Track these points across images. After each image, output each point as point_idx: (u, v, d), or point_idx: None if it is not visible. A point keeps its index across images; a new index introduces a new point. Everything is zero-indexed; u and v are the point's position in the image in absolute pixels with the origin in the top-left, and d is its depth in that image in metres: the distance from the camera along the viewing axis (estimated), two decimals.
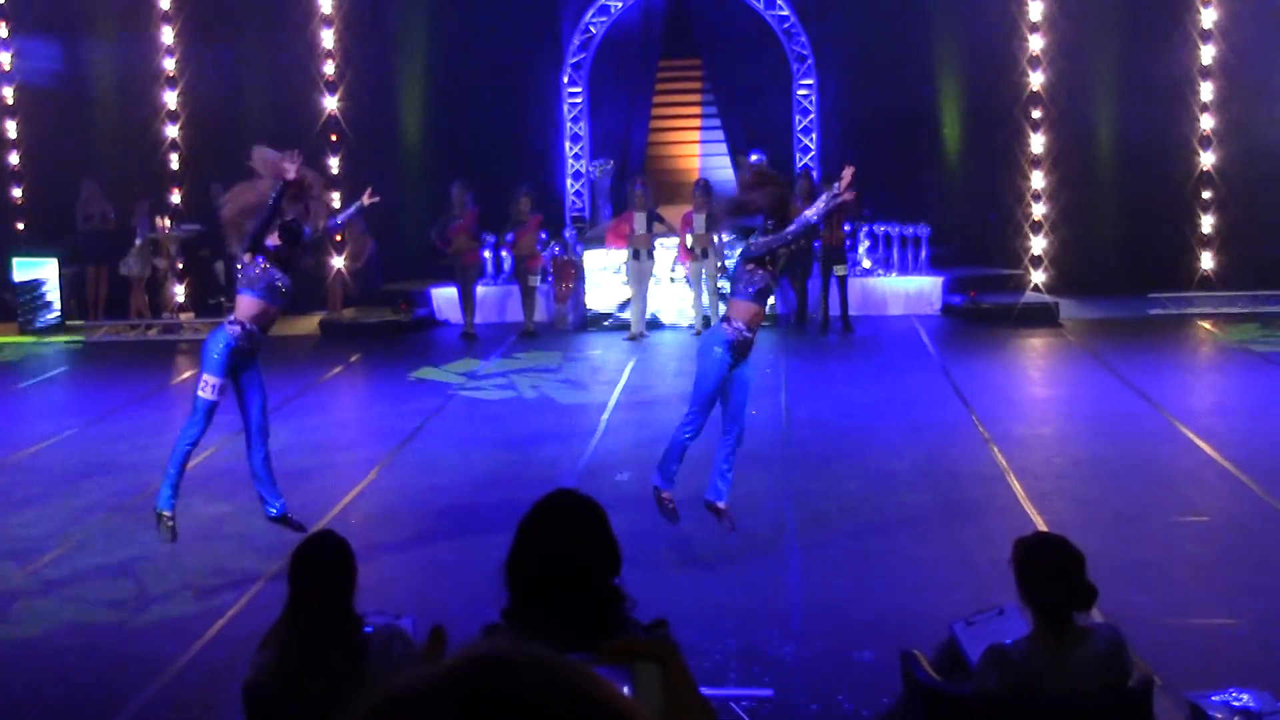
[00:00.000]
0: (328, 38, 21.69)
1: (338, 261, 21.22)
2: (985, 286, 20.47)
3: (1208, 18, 20.82)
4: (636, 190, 19.26)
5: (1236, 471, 11.57)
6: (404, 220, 21.33)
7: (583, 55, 21.89)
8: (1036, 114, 21.09)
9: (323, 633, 4.95)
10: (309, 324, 20.37)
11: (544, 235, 19.89)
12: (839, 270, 19.18)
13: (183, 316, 21.09)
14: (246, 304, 9.79)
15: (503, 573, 3.52)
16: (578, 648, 3.27)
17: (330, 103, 21.59)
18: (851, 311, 19.18)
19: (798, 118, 21.80)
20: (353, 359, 18.23)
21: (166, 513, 9.85)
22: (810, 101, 21.73)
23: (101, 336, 20.31)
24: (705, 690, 7.38)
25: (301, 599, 5.03)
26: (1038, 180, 21.12)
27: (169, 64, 21.92)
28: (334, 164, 21.66)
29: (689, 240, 19.00)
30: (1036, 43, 21.02)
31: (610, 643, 3.17)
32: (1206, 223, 21.01)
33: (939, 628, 6.62)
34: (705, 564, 9.93)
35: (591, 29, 21.80)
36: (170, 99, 21.89)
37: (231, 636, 8.57)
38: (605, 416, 14.56)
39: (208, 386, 9.74)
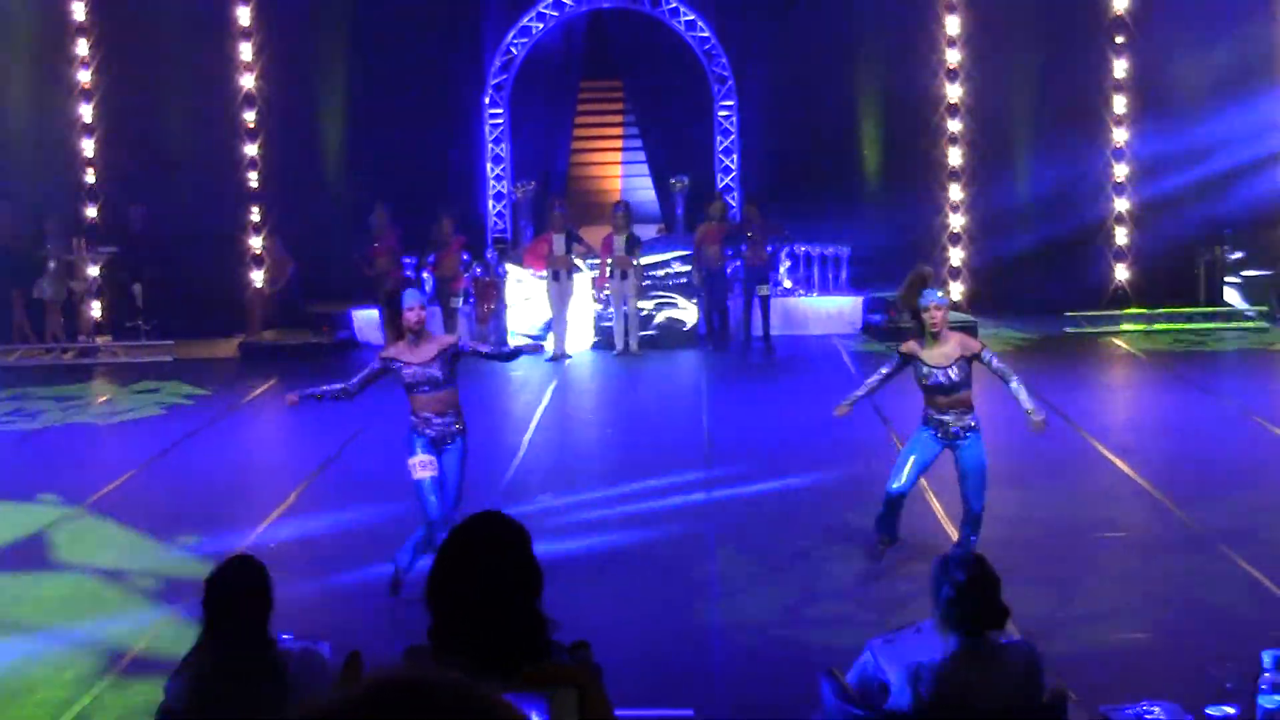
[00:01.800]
0: (246, 50, 21.58)
1: (257, 277, 21.14)
2: None
3: (1120, 65, 21.15)
4: (555, 212, 19.31)
5: (1151, 488, 11.73)
6: (325, 241, 21.23)
7: (504, 77, 21.89)
8: (955, 134, 21.32)
9: (238, 658, 4.92)
10: (228, 347, 20.23)
11: (466, 257, 19.87)
12: (761, 290, 19.28)
13: (100, 339, 20.85)
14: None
15: (426, 594, 3.52)
16: (499, 670, 3.28)
17: (251, 141, 21.50)
18: (773, 331, 19.28)
19: (719, 139, 21.89)
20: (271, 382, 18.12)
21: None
22: (731, 122, 21.84)
23: (16, 360, 20.04)
24: (626, 711, 7.40)
25: (217, 624, 5.00)
26: (955, 195, 21.35)
27: (85, 95, 21.75)
28: (253, 178, 21.57)
29: (609, 261, 19.08)
30: (955, 89, 21.25)
31: (530, 669, 3.18)
32: (1120, 234, 21.32)
33: (858, 645, 6.67)
34: (627, 584, 9.95)
35: (512, 50, 21.82)
36: (86, 114, 21.71)
37: (144, 665, 8.50)
38: (527, 437, 14.55)
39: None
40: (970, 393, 9.58)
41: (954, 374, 9.43)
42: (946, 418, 9.53)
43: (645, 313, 19.58)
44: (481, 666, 3.26)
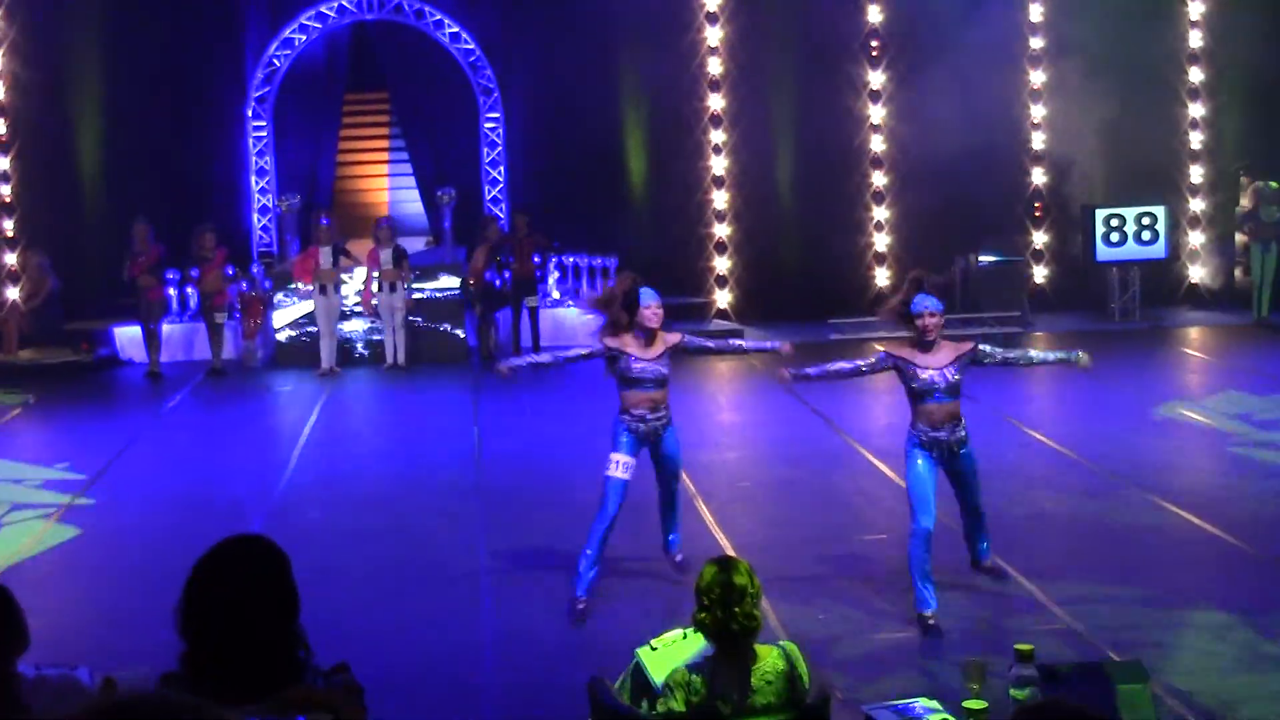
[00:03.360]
0: None
1: (12, 293, 20.46)
2: (672, 314, 20.81)
3: (876, 80, 21.71)
4: (321, 225, 19.12)
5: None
6: (84, 257, 20.70)
7: (267, 89, 21.59)
8: (718, 144, 21.62)
9: None
10: None
11: (230, 271, 19.53)
12: (530, 301, 19.32)
13: None
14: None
15: (177, 620, 3.49)
16: (253, 696, 3.27)
17: (2, 154, 20.83)
18: (542, 342, 19.34)
19: (486, 150, 21.89)
20: (29, 401, 17.60)
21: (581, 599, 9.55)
22: (498, 134, 21.86)
23: None
24: None
25: None
26: (720, 205, 21.66)
27: None
28: (5, 192, 20.90)
29: (376, 275, 18.97)
30: (715, 66, 21.55)
31: (286, 693, 3.18)
32: (881, 241, 21.86)
33: (628, 653, 6.76)
34: (397, 599, 9.92)
35: (275, 62, 21.53)
36: None
37: None
38: (296, 453, 14.40)
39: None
40: (960, 403, 9.28)
41: (951, 374, 9.11)
42: (940, 435, 9.15)
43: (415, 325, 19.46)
44: (235, 693, 3.25)
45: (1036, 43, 21.95)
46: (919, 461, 9.19)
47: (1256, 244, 20.66)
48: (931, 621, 8.97)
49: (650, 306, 9.65)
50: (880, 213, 21.90)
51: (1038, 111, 22.04)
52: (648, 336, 9.67)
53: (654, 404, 9.69)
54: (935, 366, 9.09)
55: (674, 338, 9.85)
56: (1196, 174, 22.42)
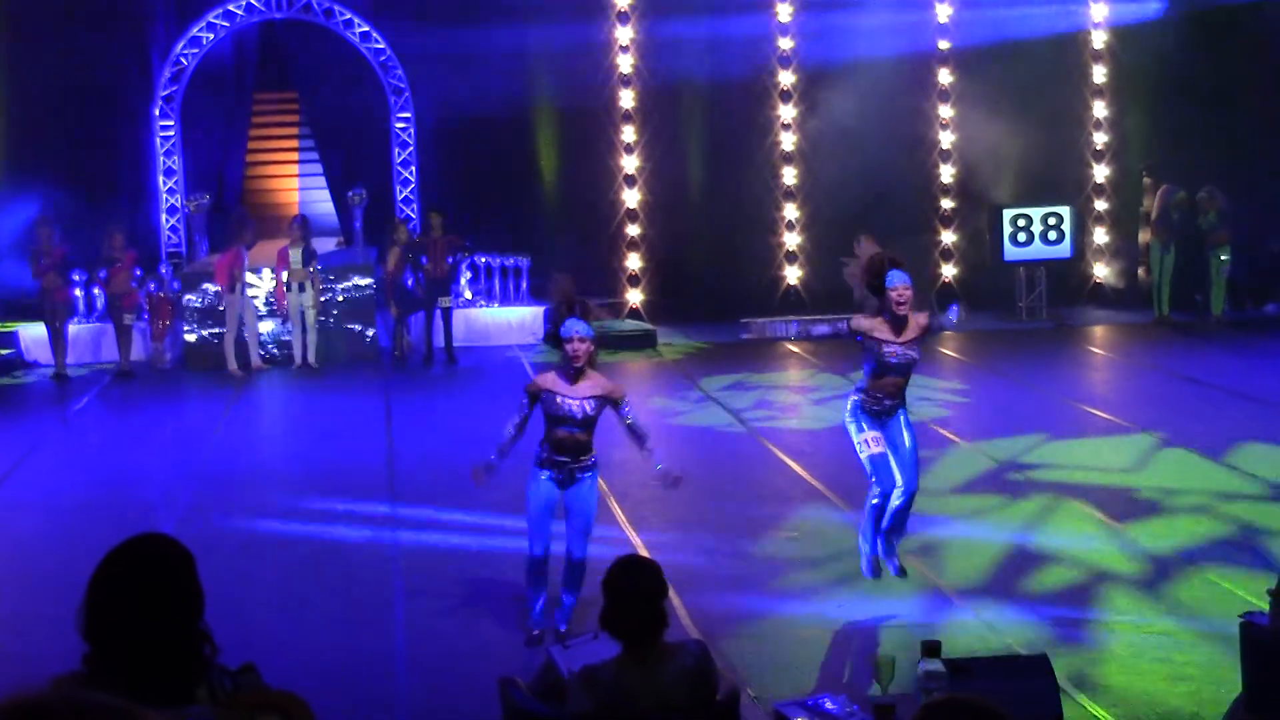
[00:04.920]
0: None
1: None
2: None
3: (786, 80, 21.85)
4: (247, 226, 18.96)
5: (820, 486, 12.13)
6: None
7: (174, 88, 21.36)
8: (629, 143, 21.65)
9: None
10: None
11: (139, 272, 19.32)
12: (444, 302, 19.26)
13: None
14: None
15: (80, 619, 3.47)
16: (160, 695, 3.26)
17: None
18: (455, 343, 19.30)
19: (397, 150, 21.79)
20: None
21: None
22: (409, 134, 21.76)
23: None
24: None
25: None
26: (632, 204, 21.69)
27: None
28: None
29: (285, 275, 18.82)
30: (628, 97, 21.61)
31: (238, 694, 3.16)
32: (791, 241, 21.98)
33: (539, 653, 6.79)
34: (307, 604, 9.87)
35: (183, 60, 21.30)
36: None
37: None
38: (205, 456, 14.27)
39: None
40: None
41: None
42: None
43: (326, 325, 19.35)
44: (139, 691, 3.24)
45: (944, 45, 22.17)
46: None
47: (1157, 244, 20.96)
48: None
49: (897, 289, 9.32)
50: (790, 212, 22.00)
51: (945, 111, 22.25)
52: (896, 320, 9.37)
53: (895, 389, 9.49)
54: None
55: (923, 318, 9.59)
56: (1100, 174, 22.68)
